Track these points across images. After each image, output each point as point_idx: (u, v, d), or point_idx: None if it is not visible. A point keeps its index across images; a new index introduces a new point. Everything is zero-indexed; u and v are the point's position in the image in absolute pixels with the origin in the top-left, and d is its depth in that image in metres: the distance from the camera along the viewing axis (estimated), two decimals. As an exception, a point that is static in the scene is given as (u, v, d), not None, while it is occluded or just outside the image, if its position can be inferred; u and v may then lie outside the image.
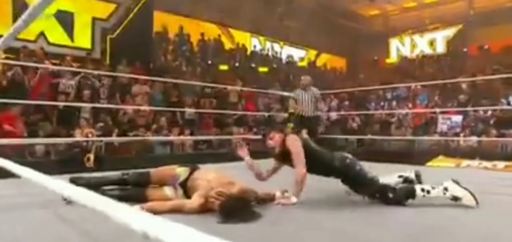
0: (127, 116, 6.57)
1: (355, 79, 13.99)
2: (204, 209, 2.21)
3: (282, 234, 1.88)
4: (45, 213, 2.28)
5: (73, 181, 2.52)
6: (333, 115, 10.41)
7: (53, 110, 6.15)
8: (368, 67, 16.15)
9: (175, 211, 2.20)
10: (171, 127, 7.14)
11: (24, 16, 1.68)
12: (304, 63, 15.60)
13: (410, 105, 9.76)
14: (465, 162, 6.13)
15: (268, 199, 2.50)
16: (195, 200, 2.23)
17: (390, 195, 2.37)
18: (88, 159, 4.68)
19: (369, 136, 8.66)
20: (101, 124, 5.86)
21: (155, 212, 2.19)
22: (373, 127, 9.33)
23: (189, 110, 7.72)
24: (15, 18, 8.25)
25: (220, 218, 2.05)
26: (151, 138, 6.33)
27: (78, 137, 5.25)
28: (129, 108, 6.76)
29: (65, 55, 7.94)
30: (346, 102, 10.48)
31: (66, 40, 8.86)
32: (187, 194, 2.40)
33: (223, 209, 2.07)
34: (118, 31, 9.65)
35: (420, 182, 2.64)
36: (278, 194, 2.56)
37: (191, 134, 7.71)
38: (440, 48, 15.79)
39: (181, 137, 6.91)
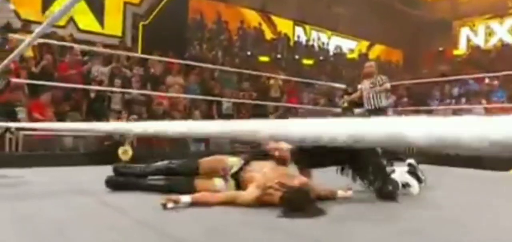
0: (162, 108, 6.61)
1: (414, 73, 13.29)
2: (260, 202, 2.15)
3: (349, 232, 1.70)
4: (88, 200, 2.36)
5: (117, 170, 2.63)
6: (389, 113, 9.95)
7: (83, 100, 6.32)
8: (430, 60, 15.32)
9: (228, 203, 2.18)
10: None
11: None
12: (354, 55, 15.15)
13: (483, 102, 9.09)
14: None
15: (329, 197, 2.34)
16: (251, 192, 2.16)
17: (390, 188, 2.45)
18: (125, 152, 4.73)
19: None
20: (135, 116, 5.92)
21: (207, 203, 2.17)
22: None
23: (229, 100, 7.63)
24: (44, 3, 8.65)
25: (281, 211, 1.94)
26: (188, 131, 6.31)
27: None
28: (162, 96, 6.80)
29: (96, 43, 8.18)
30: (405, 99, 9.99)
31: (96, 26, 9.15)
32: (240, 186, 2.37)
33: (285, 201, 1.96)
34: (151, 17, 9.84)
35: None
36: (340, 192, 2.40)
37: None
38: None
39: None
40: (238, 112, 8.30)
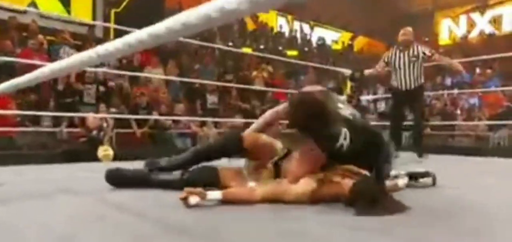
0: (145, 99, 6.09)
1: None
2: (316, 197, 1.71)
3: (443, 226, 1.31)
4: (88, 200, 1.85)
5: (151, 166, 2.12)
6: (381, 106, 9.79)
7: (50, 93, 5.70)
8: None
9: (272, 199, 1.74)
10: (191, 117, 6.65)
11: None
12: (338, 47, 14.99)
13: (479, 93, 9.07)
14: None
15: (394, 189, 1.95)
16: (306, 184, 1.70)
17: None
18: (106, 152, 4.19)
19: (434, 128, 8.02)
20: (113, 109, 5.37)
21: (244, 200, 1.74)
22: (432, 119, 8.68)
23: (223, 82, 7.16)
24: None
25: (355, 208, 1.52)
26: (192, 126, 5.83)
27: (91, 122, 4.75)
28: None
29: (62, 31, 7.49)
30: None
31: (61, 10, 8.41)
32: (279, 177, 1.91)
33: (356, 194, 1.53)
34: (123, 4, 9.23)
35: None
36: (400, 182, 2.02)
37: (215, 125, 7.21)
38: (508, 27, 14.87)
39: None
40: (224, 105, 7.87)
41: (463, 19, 16.05)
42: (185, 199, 1.64)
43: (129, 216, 1.53)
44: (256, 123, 2.26)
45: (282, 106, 2.09)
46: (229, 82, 8.64)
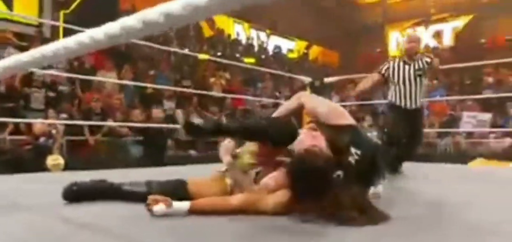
0: (98, 106, 5.76)
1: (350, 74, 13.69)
2: (295, 207, 1.60)
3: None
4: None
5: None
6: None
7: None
8: (365, 61, 15.96)
9: (245, 210, 1.63)
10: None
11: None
12: (294, 55, 15.20)
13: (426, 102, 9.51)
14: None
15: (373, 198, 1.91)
16: (286, 192, 1.62)
17: None
18: (56, 162, 3.87)
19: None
20: (64, 115, 5.02)
21: (215, 211, 1.63)
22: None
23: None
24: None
25: (340, 219, 1.44)
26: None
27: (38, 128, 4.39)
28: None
29: (4, 31, 6.95)
30: (352, 99, 10.10)
31: (3, 9, 7.81)
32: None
33: (346, 204, 1.46)
34: (74, 5, 8.76)
35: None
36: (380, 189, 1.98)
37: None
38: (448, 41, 15.89)
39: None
40: (182, 112, 7.65)
41: (410, 32, 16.90)
42: (149, 208, 1.54)
43: (93, 235, 1.37)
44: (278, 111, 2.00)
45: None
46: (186, 88, 8.45)
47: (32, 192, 2.32)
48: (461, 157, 6.86)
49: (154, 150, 5.80)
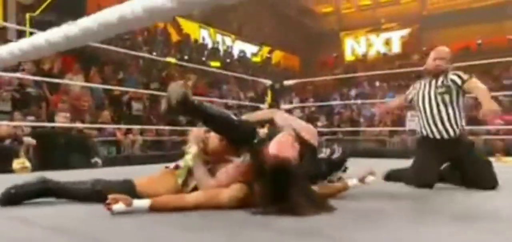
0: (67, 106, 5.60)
1: (311, 77, 14.06)
2: (248, 201, 1.66)
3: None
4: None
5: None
6: (299, 115, 10.22)
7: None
8: (323, 65, 16.39)
9: (203, 205, 1.65)
10: (117, 123, 6.29)
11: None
12: (257, 59, 15.34)
13: (378, 103, 9.92)
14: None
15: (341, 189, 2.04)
16: (240, 187, 1.68)
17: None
18: (22, 165, 3.72)
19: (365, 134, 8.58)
20: (31, 117, 4.85)
21: (174, 207, 1.62)
22: (341, 126, 9.32)
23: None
24: None
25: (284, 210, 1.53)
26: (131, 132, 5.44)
27: (3, 130, 4.21)
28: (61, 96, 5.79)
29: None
30: (311, 99, 10.38)
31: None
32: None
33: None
34: (40, 9, 8.42)
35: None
36: (350, 182, 2.07)
37: (141, 133, 6.91)
38: (396, 48, 16.64)
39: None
40: (149, 113, 7.57)
41: (363, 39, 17.54)
42: (109, 207, 1.50)
43: (50, 234, 1.34)
44: (249, 116, 2.03)
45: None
46: (155, 90, 8.34)
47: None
48: (405, 153, 7.19)
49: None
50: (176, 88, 1.70)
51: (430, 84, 2.71)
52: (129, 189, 1.74)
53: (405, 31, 16.59)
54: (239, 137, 1.82)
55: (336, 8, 18.08)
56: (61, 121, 4.78)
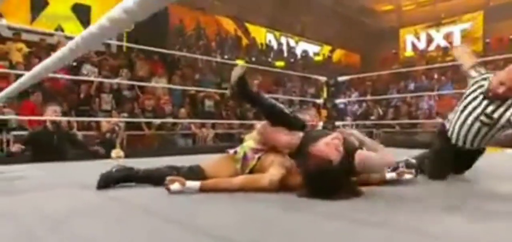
0: (151, 103, 6.14)
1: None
2: (285, 183, 1.75)
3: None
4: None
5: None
6: (356, 109, 9.89)
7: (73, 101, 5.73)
8: (383, 62, 15.55)
9: (246, 187, 1.74)
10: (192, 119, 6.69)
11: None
12: (319, 58, 15.09)
13: (436, 97, 9.21)
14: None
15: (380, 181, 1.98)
16: (278, 170, 1.74)
17: None
18: (118, 154, 4.14)
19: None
20: (125, 114, 5.40)
21: (220, 189, 1.74)
22: (401, 119, 8.80)
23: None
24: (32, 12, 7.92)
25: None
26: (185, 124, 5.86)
27: (104, 126, 4.77)
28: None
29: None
30: (368, 96, 9.96)
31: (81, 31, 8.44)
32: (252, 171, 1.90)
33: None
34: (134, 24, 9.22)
35: None
36: (392, 174, 1.99)
37: (213, 126, 7.26)
38: (457, 41, 15.14)
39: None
40: (221, 109, 7.92)
41: (423, 35, 16.26)
42: (167, 187, 1.67)
43: (125, 208, 1.56)
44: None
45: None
46: (226, 90, 8.69)
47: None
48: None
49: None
50: (236, 70, 1.86)
51: (485, 99, 2.08)
52: (198, 172, 1.88)
53: (467, 25, 15.00)
54: (289, 123, 1.89)
55: (397, 5, 16.96)
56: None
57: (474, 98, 2.13)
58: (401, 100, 9.77)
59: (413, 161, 2.12)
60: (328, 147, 1.61)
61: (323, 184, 1.58)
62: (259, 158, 1.91)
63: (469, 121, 2.12)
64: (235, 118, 7.82)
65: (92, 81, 5.77)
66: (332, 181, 1.58)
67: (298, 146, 1.74)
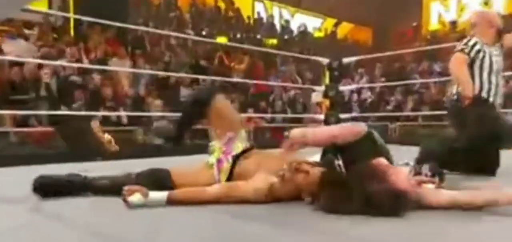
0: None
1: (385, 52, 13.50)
2: (275, 194, 1.73)
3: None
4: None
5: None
6: (367, 96, 9.96)
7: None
8: (401, 37, 15.62)
9: (224, 199, 1.73)
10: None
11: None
12: (321, 34, 15.17)
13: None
14: None
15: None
16: (262, 179, 1.73)
17: None
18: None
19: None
20: (75, 105, 5.39)
21: (192, 200, 1.72)
22: (423, 109, 8.87)
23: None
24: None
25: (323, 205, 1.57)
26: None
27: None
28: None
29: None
30: (382, 79, 10.02)
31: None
32: (231, 178, 1.92)
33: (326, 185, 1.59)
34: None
35: None
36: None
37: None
38: (499, 7, 15.06)
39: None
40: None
41: (453, 2, 16.26)
42: (125, 198, 1.62)
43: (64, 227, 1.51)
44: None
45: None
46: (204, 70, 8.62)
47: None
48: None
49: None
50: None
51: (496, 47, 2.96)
52: (165, 180, 1.84)
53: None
54: None
55: (419, -34, 17.04)
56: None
57: (493, 57, 2.87)
58: (424, 86, 9.83)
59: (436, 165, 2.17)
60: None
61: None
62: (235, 160, 1.92)
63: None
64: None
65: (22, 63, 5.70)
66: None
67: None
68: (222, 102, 2.06)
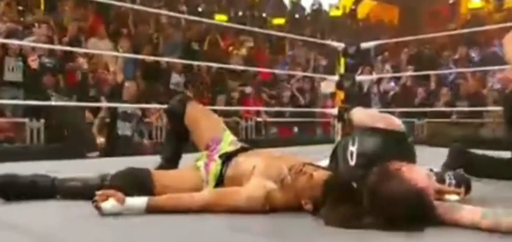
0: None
1: (415, 34, 13.45)
2: (272, 201, 1.73)
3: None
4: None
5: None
6: (391, 87, 9.94)
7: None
8: (433, 18, 15.55)
9: (218, 206, 1.72)
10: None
11: None
12: (338, 13, 15.20)
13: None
14: None
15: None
16: (258, 185, 1.72)
17: None
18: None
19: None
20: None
21: (177, 208, 1.71)
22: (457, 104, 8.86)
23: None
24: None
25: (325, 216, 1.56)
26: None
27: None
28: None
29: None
30: (409, 67, 10.01)
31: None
32: (222, 183, 1.92)
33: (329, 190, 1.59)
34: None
35: None
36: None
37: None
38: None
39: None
40: (193, 88, 7.93)
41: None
42: (97, 205, 1.60)
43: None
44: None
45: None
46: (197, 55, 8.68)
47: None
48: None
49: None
50: None
51: None
52: (145, 183, 1.83)
53: None
54: None
55: None
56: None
57: None
58: (461, 76, 9.78)
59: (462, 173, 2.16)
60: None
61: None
62: (226, 162, 1.93)
63: None
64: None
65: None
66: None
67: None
68: (195, 109, 2.20)
